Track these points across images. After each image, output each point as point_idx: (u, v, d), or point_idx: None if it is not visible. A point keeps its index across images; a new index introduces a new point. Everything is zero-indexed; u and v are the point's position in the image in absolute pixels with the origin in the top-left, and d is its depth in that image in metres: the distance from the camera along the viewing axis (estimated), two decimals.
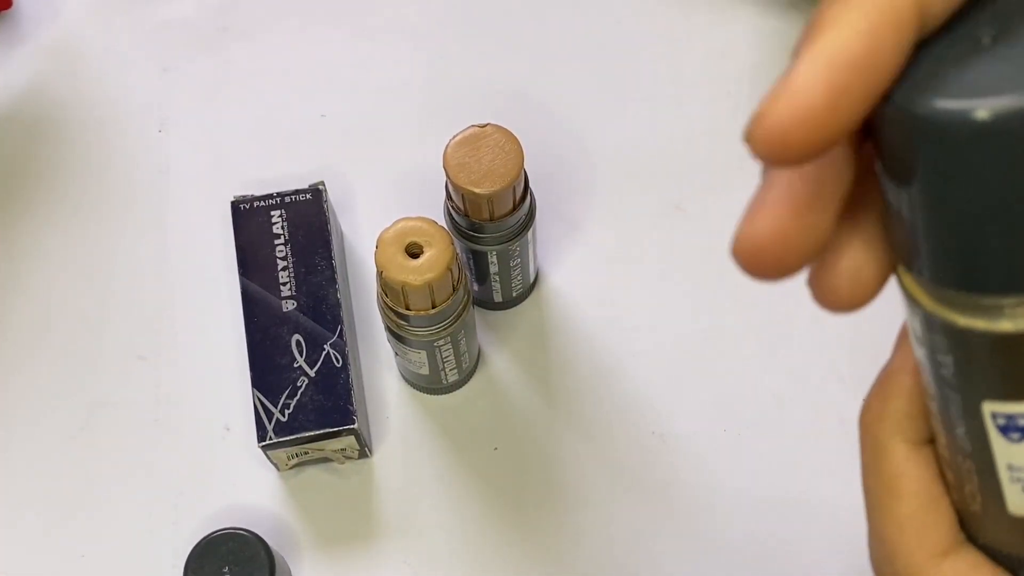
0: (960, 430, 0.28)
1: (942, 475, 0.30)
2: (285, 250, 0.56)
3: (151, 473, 0.57)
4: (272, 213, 0.56)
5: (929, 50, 0.24)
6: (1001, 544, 0.29)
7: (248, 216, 0.56)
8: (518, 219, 0.53)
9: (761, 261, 0.23)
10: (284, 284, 0.55)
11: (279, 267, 0.55)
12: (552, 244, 0.61)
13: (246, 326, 0.54)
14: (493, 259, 0.55)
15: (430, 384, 0.57)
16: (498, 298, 0.59)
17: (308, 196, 0.57)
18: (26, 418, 0.58)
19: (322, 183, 0.57)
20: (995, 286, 0.25)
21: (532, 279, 0.60)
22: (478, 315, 0.59)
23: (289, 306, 0.55)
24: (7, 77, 0.64)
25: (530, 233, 0.55)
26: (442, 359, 0.54)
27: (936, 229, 0.25)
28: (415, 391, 0.59)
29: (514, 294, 0.59)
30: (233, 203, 0.57)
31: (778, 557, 0.55)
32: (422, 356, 0.54)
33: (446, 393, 0.58)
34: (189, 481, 0.57)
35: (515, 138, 0.51)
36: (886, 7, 0.22)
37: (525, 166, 0.51)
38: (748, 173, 0.64)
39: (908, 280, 0.27)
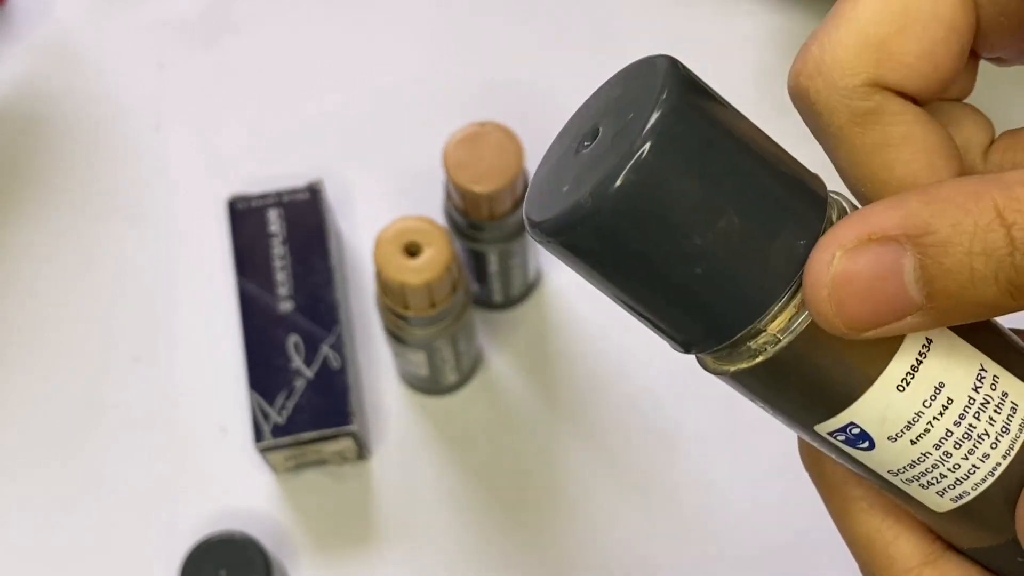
0: (838, 459, 0.28)
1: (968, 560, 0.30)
2: (283, 250, 0.55)
3: (147, 475, 0.57)
4: (269, 212, 0.56)
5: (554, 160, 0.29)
6: (963, 542, 0.29)
7: (245, 215, 0.56)
8: (518, 218, 0.53)
9: None
10: (282, 284, 0.55)
11: (276, 267, 0.55)
12: None
13: (243, 327, 0.54)
14: (493, 259, 0.55)
15: (429, 385, 0.57)
16: (498, 298, 0.59)
17: (306, 195, 0.56)
18: (22, 420, 0.58)
19: (320, 182, 0.57)
20: (717, 336, 0.26)
21: (532, 279, 0.59)
22: (478, 315, 0.59)
23: (287, 307, 0.54)
24: (1, 75, 0.64)
25: None
26: (441, 359, 0.54)
27: (643, 316, 0.27)
28: (414, 392, 0.58)
29: (514, 294, 0.59)
30: (230, 202, 0.56)
31: (779, 557, 0.55)
32: (421, 357, 0.54)
33: (445, 394, 0.58)
34: (185, 483, 0.57)
35: (515, 136, 0.51)
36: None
37: (525, 165, 0.51)
38: None
39: (707, 362, 0.28)
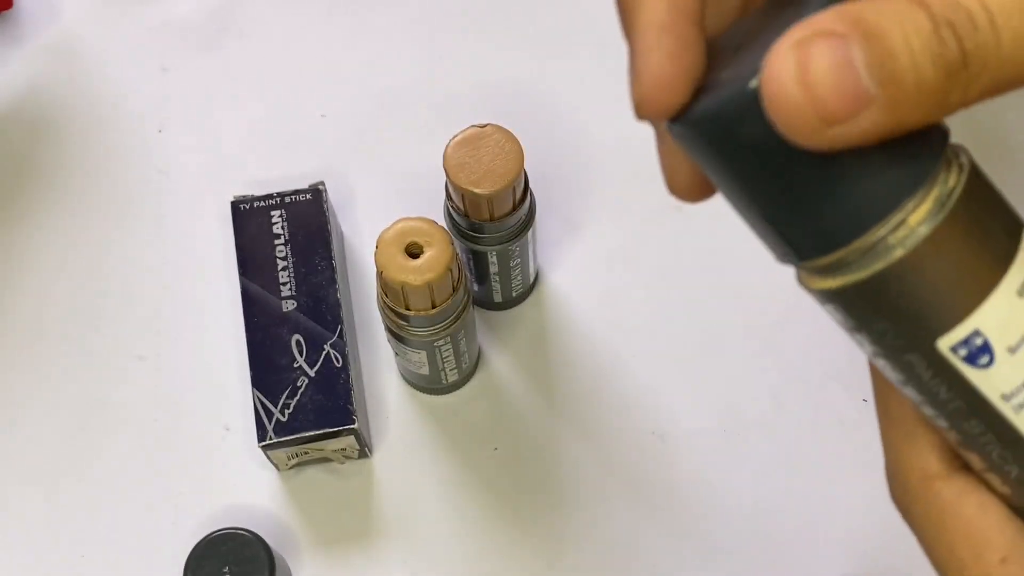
0: (947, 396, 0.27)
1: (983, 482, 0.29)
2: (285, 250, 0.56)
3: (151, 473, 0.57)
4: (272, 213, 0.56)
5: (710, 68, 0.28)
6: None
7: (248, 216, 0.56)
8: (518, 219, 0.53)
9: (654, 107, 0.27)
10: (284, 284, 0.55)
11: (279, 267, 0.55)
12: (552, 244, 0.61)
13: (246, 326, 0.54)
14: (493, 259, 0.55)
15: (430, 384, 0.57)
16: (498, 298, 0.59)
17: (308, 196, 0.57)
18: (26, 418, 0.58)
19: (322, 183, 0.57)
20: (869, 219, 0.25)
21: (532, 279, 0.60)
22: (478, 315, 0.59)
23: (289, 306, 0.55)
24: (7, 77, 0.64)
25: (530, 233, 0.55)
26: (442, 359, 0.54)
27: (780, 210, 0.26)
28: (415, 391, 0.59)
29: (514, 294, 0.59)
30: (233, 203, 0.57)
31: (778, 557, 0.55)
32: (422, 356, 0.54)
33: (446, 393, 0.58)
34: (189, 481, 0.57)
35: (515, 138, 0.51)
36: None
37: (525, 166, 0.51)
38: None
39: (813, 281, 0.27)
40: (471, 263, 0.56)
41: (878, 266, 0.25)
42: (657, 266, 0.60)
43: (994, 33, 0.23)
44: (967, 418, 0.27)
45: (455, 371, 0.56)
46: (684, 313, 0.60)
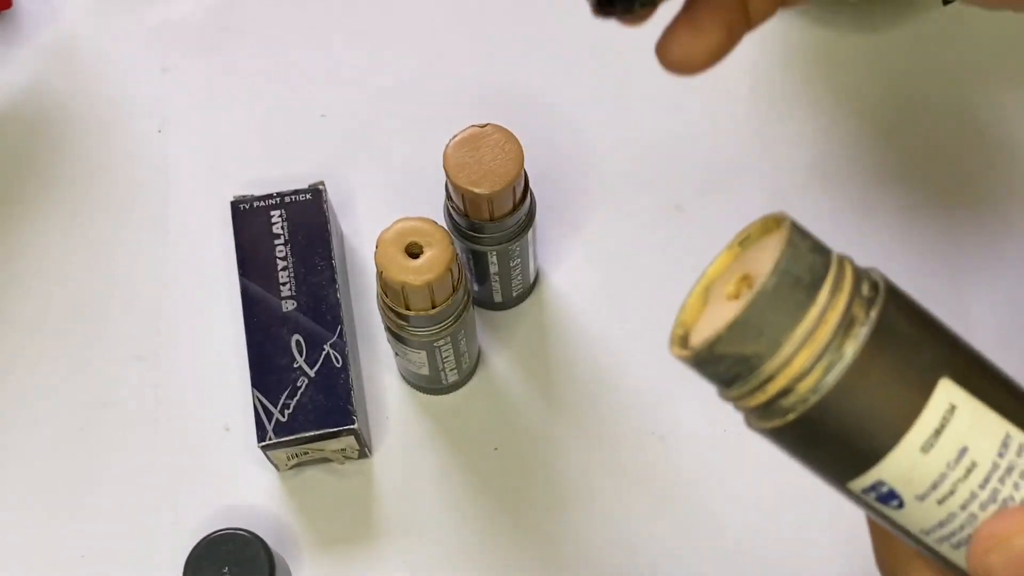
0: (875, 517, 0.29)
1: None
2: (285, 250, 0.56)
3: (151, 473, 0.57)
4: (272, 213, 0.56)
5: None
6: None
7: (248, 216, 0.56)
8: (518, 219, 0.53)
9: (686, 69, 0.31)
10: (284, 284, 0.55)
11: (279, 267, 0.55)
12: (552, 244, 0.61)
13: (246, 326, 0.54)
14: (493, 259, 0.55)
15: (430, 384, 0.57)
16: (498, 298, 0.59)
17: (308, 196, 0.57)
18: (25, 418, 0.58)
19: (322, 183, 0.57)
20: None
21: (532, 279, 0.60)
22: (478, 315, 0.59)
23: (289, 306, 0.55)
24: (7, 77, 0.64)
25: (530, 233, 0.55)
26: (442, 359, 0.54)
27: None
28: (415, 391, 0.59)
29: (514, 294, 0.59)
30: (233, 203, 0.57)
31: (778, 557, 0.55)
32: (422, 356, 0.54)
33: (446, 393, 0.58)
34: (189, 481, 0.57)
35: (515, 138, 0.51)
36: None
37: (525, 166, 0.51)
38: (748, 173, 0.64)
39: (751, 420, 0.29)
40: (471, 263, 0.56)
41: (777, 423, 0.27)
42: (657, 266, 0.60)
43: None
44: (900, 535, 0.29)
45: (455, 371, 0.56)
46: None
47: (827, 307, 0.27)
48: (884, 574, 0.32)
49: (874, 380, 0.27)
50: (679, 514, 0.56)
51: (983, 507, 0.27)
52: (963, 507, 0.27)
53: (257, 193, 0.57)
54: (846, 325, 0.27)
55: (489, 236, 0.54)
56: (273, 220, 0.56)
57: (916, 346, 0.27)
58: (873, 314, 0.27)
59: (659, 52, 0.32)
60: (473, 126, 0.51)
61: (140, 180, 0.63)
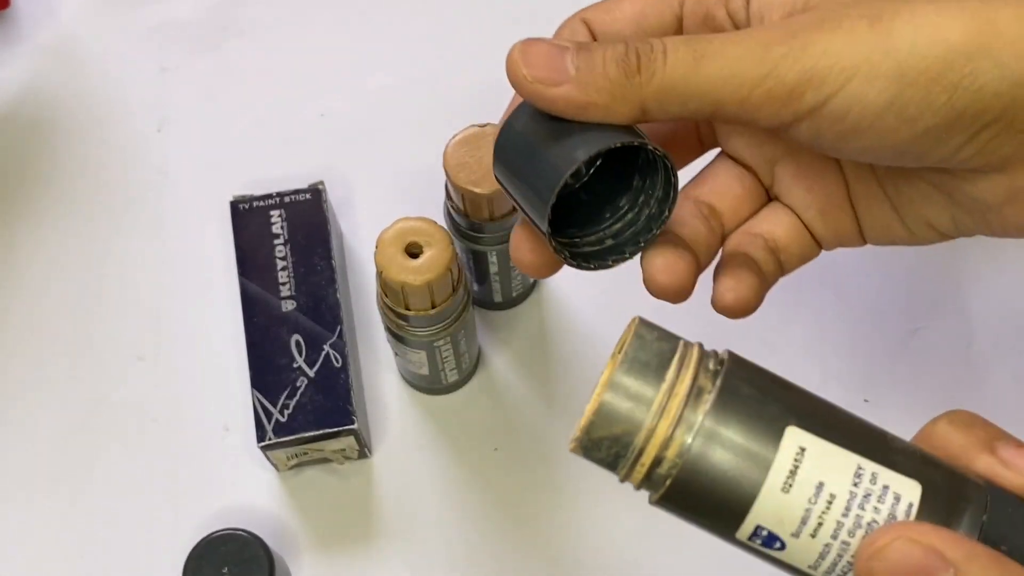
0: (776, 566, 0.32)
1: None
2: (284, 250, 0.56)
3: (151, 473, 0.57)
4: (271, 213, 0.56)
5: None
6: None
7: (247, 216, 0.56)
8: (518, 218, 0.53)
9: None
10: (284, 284, 0.55)
11: (278, 267, 0.55)
12: None
13: (245, 326, 0.54)
14: (493, 259, 0.55)
15: (430, 384, 0.57)
16: (498, 298, 0.59)
17: (307, 196, 0.57)
18: (25, 418, 0.58)
19: (321, 183, 0.57)
20: (543, 197, 0.35)
21: (532, 279, 0.59)
22: (478, 315, 0.59)
23: (288, 306, 0.55)
24: (5, 77, 0.64)
25: None
26: (442, 359, 0.54)
27: None
28: (415, 391, 0.59)
29: (514, 294, 0.59)
30: (232, 203, 0.57)
31: None
32: (422, 356, 0.54)
33: (446, 393, 0.58)
34: (188, 481, 0.57)
35: None
36: None
37: None
38: None
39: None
40: (471, 263, 0.56)
41: (661, 490, 0.32)
42: None
43: (663, 54, 0.34)
44: None
45: (455, 371, 0.56)
46: (684, 313, 0.60)
47: (675, 381, 0.31)
48: None
49: (730, 435, 0.31)
50: None
51: (851, 533, 0.30)
52: (834, 536, 0.31)
53: (257, 193, 0.57)
54: (695, 394, 0.31)
55: (489, 236, 0.54)
56: (273, 220, 0.56)
57: (760, 402, 0.31)
58: (719, 382, 0.31)
59: (716, 306, 0.40)
60: (473, 126, 0.51)
61: (139, 180, 0.63)
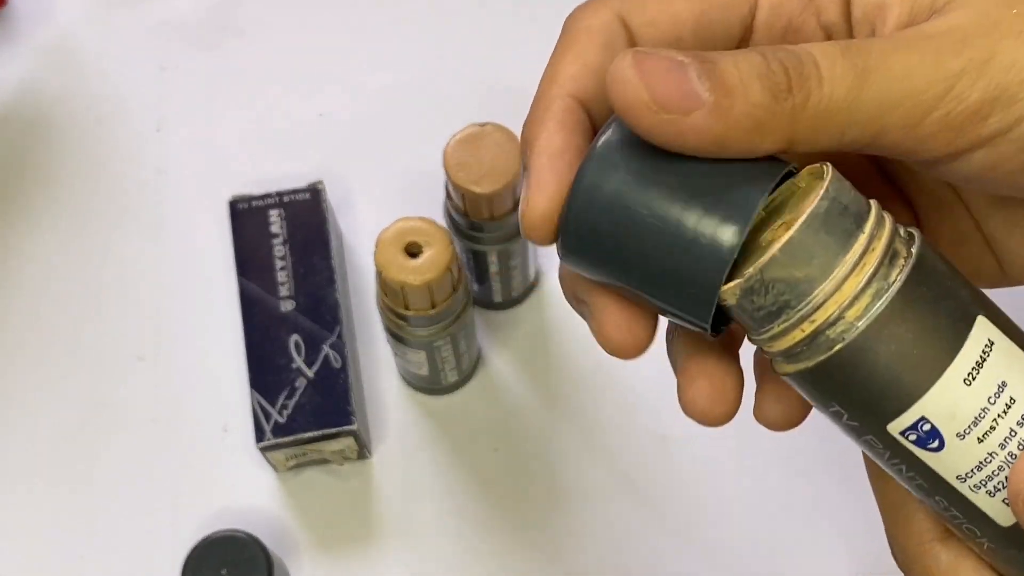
0: (908, 474, 0.29)
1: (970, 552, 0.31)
2: (284, 250, 0.56)
3: (149, 474, 0.57)
4: (270, 213, 0.56)
5: None
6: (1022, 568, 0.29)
7: (246, 216, 0.56)
8: (518, 219, 0.53)
9: (542, 229, 0.30)
10: (283, 284, 0.55)
11: (278, 267, 0.55)
12: None
13: (244, 326, 0.54)
14: (493, 259, 0.55)
15: (430, 385, 0.57)
16: (498, 298, 0.59)
17: (307, 196, 0.56)
18: (23, 419, 0.58)
19: (321, 182, 0.57)
20: (711, 276, 0.27)
21: (532, 279, 0.59)
22: (478, 315, 0.59)
23: (288, 306, 0.55)
24: (3, 76, 0.64)
25: None
26: (441, 359, 0.54)
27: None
28: (414, 392, 0.58)
29: (514, 294, 0.59)
30: (231, 202, 0.57)
31: (781, 557, 0.55)
32: (421, 356, 0.54)
33: (446, 394, 0.58)
34: (187, 482, 0.57)
35: (515, 137, 0.51)
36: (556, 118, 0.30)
37: None
38: None
39: (777, 365, 0.29)
40: (471, 263, 0.56)
41: (821, 357, 0.27)
42: None
43: (817, 71, 0.27)
44: (931, 495, 0.29)
45: (455, 371, 0.56)
46: None
47: (874, 236, 0.27)
48: (901, 561, 0.32)
49: (919, 310, 0.27)
50: (679, 514, 0.56)
51: (1021, 446, 0.27)
52: (1002, 446, 0.27)
53: (256, 192, 0.57)
54: (891, 256, 0.27)
55: (489, 235, 0.53)
56: (272, 220, 0.56)
57: (953, 283, 0.28)
58: (915, 249, 0.28)
59: (759, 418, 0.33)
60: (473, 125, 0.51)
61: (138, 179, 0.62)
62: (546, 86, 0.31)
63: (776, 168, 0.28)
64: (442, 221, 0.52)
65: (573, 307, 0.33)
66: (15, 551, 0.56)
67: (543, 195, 0.29)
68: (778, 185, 0.28)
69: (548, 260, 0.60)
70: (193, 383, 0.58)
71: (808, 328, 0.27)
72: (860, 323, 0.27)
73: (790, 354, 0.28)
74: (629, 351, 0.33)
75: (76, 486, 0.57)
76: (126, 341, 0.59)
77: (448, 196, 0.53)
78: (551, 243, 0.30)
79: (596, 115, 0.30)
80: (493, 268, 0.56)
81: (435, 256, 0.49)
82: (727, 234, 0.27)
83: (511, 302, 0.59)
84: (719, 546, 0.56)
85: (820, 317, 0.27)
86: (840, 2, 0.31)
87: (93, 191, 0.62)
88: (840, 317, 0.27)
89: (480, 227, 0.53)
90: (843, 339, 0.27)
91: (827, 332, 0.27)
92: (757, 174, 0.27)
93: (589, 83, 0.30)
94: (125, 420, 0.58)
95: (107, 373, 0.59)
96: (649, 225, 0.27)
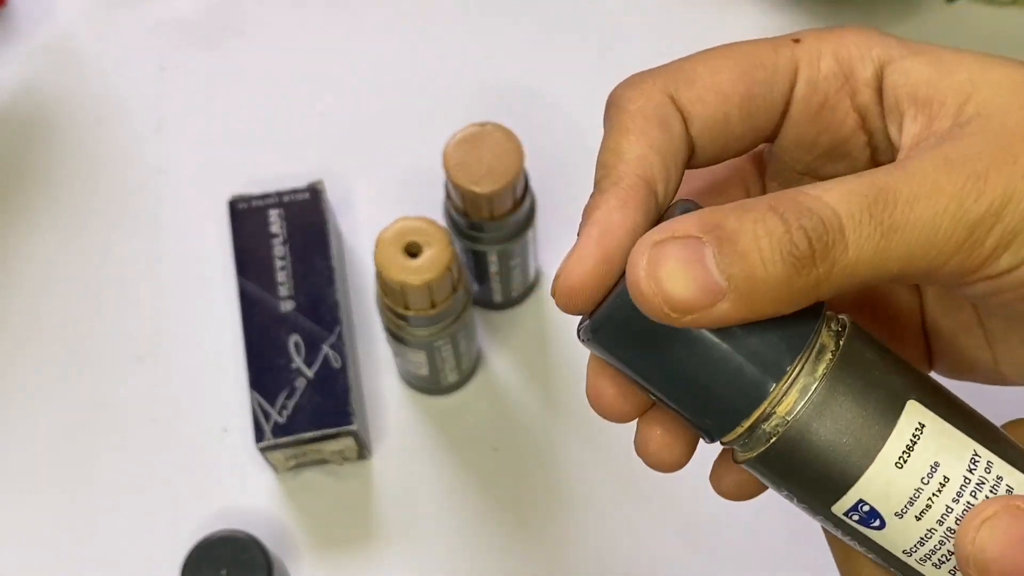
0: (860, 548, 0.31)
1: None
2: (283, 250, 0.55)
3: (149, 474, 0.57)
4: (270, 212, 0.56)
5: None
6: None
7: (246, 216, 0.56)
8: (518, 218, 0.53)
9: (573, 299, 0.31)
10: (282, 284, 0.55)
11: (277, 267, 0.55)
12: (552, 244, 0.60)
13: (244, 326, 0.54)
14: (493, 259, 0.55)
15: (429, 385, 0.57)
16: (498, 298, 0.59)
17: (307, 195, 0.56)
18: (24, 419, 0.58)
19: (321, 182, 0.57)
20: (743, 408, 0.29)
21: (532, 279, 0.59)
22: (478, 315, 0.59)
23: (287, 306, 0.55)
24: (2, 76, 0.64)
25: (530, 233, 0.55)
26: (441, 359, 0.54)
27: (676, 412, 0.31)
28: (414, 392, 0.58)
29: (514, 294, 0.59)
30: (231, 202, 0.57)
31: (781, 558, 0.55)
32: (421, 357, 0.54)
33: (445, 394, 0.58)
34: (187, 483, 0.57)
35: (515, 137, 0.51)
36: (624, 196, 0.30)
37: (525, 165, 0.51)
38: None
39: (734, 453, 0.31)
40: (471, 263, 0.55)
41: (761, 448, 0.30)
42: None
43: (842, 234, 0.27)
44: (887, 564, 0.31)
45: (455, 371, 0.56)
46: None
47: None
48: None
49: (846, 401, 0.29)
50: (679, 514, 0.56)
51: (959, 521, 0.29)
52: (940, 522, 0.29)
53: (255, 192, 0.57)
54: (818, 351, 0.29)
55: (489, 235, 0.53)
56: (271, 219, 0.56)
57: (882, 371, 0.30)
58: (841, 343, 0.29)
59: (715, 487, 0.37)
60: (473, 124, 0.51)
61: (138, 179, 0.62)
62: (613, 161, 0.31)
63: (808, 326, 0.29)
64: (442, 221, 0.52)
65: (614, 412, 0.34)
66: (15, 551, 0.56)
67: (581, 267, 0.30)
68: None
69: (548, 260, 0.60)
70: (193, 383, 0.58)
71: (746, 424, 0.29)
72: (789, 417, 0.29)
73: (738, 444, 0.30)
74: (668, 468, 0.34)
75: (76, 486, 0.57)
76: (126, 341, 0.59)
77: (448, 196, 0.53)
78: (575, 314, 0.32)
79: (662, 195, 0.31)
80: (493, 268, 0.55)
81: (435, 256, 0.49)
82: (757, 391, 0.29)
83: (511, 302, 0.59)
84: (719, 546, 0.56)
85: (755, 414, 0.29)
86: (874, 87, 0.31)
87: (93, 191, 0.62)
88: (772, 413, 0.29)
89: (480, 227, 0.53)
90: (777, 432, 0.29)
91: (763, 426, 0.29)
92: (791, 329, 0.29)
93: (656, 163, 0.31)
94: (125, 420, 0.58)
95: (107, 373, 0.59)
96: (684, 354, 0.29)
